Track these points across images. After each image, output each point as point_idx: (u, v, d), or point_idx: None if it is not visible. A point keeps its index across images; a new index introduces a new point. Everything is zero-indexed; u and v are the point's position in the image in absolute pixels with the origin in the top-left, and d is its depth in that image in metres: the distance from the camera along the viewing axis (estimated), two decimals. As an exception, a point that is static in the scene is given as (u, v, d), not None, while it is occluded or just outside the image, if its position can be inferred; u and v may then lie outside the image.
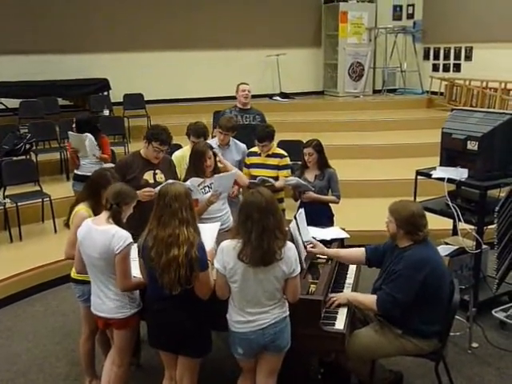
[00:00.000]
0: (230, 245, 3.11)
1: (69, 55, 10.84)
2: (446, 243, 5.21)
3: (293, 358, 3.29)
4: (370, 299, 3.61)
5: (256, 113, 6.41)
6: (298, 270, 3.14)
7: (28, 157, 8.16)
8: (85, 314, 3.89)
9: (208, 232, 3.65)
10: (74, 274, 3.82)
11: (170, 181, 3.93)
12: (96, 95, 10.60)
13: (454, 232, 5.41)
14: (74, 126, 6.59)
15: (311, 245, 4.00)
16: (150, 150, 4.55)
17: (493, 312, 4.91)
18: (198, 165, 4.68)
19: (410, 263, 3.47)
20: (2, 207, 6.76)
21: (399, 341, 3.57)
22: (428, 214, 4.98)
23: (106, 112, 10.14)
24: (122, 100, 10.67)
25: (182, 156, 5.23)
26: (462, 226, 4.92)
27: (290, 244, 3.14)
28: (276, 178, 5.40)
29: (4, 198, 6.90)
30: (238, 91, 6.46)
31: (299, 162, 5.52)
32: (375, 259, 3.88)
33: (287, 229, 3.33)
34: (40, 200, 7.09)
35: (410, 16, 13.20)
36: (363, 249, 3.97)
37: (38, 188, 7.27)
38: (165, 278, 3.09)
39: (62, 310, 5.42)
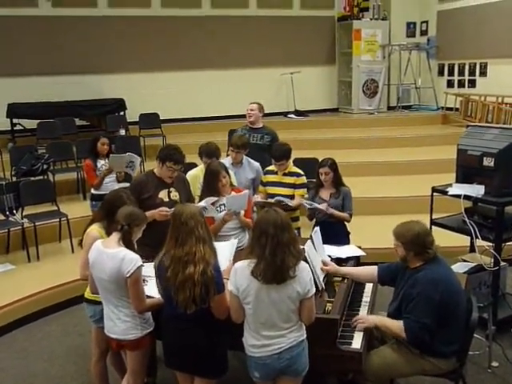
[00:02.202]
0: (243, 265, 3.09)
1: (85, 76, 10.97)
2: (464, 260, 5.17)
3: (310, 378, 3.25)
4: (397, 325, 3.53)
5: (265, 132, 6.35)
6: (313, 290, 3.11)
7: (45, 177, 8.22)
8: (95, 335, 3.90)
9: (225, 249, 3.65)
10: (87, 294, 3.83)
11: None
12: (112, 115, 10.69)
13: (472, 249, 5.36)
14: (103, 146, 6.59)
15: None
16: (164, 170, 4.57)
17: (512, 330, 4.85)
18: (213, 185, 4.69)
19: (425, 285, 3.43)
20: (20, 227, 6.82)
21: (417, 360, 3.52)
22: (445, 231, 5.02)
23: (122, 132, 10.21)
24: (137, 119, 10.76)
25: (195, 175, 5.24)
26: (479, 242, 4.89)
27: (304, 264, 3.11)
28: (292, 197, 5.41)
29: (22, 218, 6.96)
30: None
31: (314, 180, 5.52)
32: (388, 277, 3.85)
33: (302, 247, 3.31)
34: (57, 220, 7.14)
35: (424, 33, 13.17)
36: (375, 267, 3.94)
37: (55, 208, 7.31)
38: (180, 296, 3.09)
39: (78, 330, 5.43)
